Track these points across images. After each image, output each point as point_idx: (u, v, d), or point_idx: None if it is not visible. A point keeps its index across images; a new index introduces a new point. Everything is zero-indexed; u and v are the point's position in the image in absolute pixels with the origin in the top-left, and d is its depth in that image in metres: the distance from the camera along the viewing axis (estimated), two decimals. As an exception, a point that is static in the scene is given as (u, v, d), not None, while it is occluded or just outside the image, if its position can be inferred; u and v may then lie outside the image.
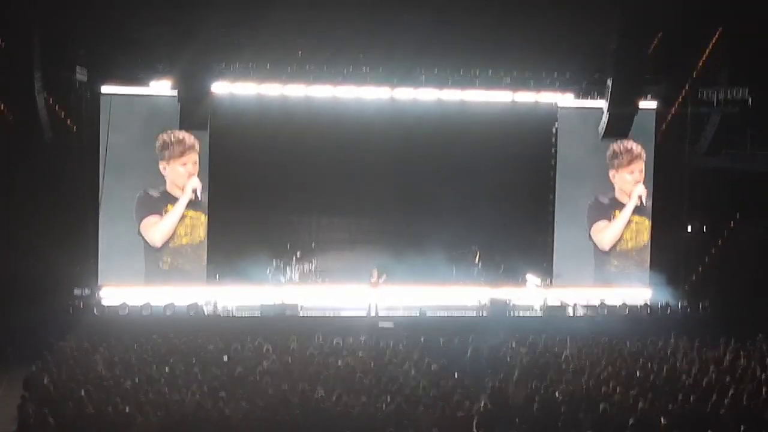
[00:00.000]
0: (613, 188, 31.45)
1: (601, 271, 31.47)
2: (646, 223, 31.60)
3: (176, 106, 26.84)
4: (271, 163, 30.32)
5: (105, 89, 28.49)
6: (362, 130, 30.21)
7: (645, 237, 31.65)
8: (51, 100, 27.49)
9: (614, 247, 31.56)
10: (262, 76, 28.94)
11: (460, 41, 28.64)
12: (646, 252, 31.67)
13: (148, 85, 28.62)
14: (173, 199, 29.21)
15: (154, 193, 29.07)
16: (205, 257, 29.46)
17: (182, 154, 29.04)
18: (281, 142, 30.08)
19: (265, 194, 30.62)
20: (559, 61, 29.71)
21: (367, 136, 30.32)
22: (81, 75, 28.03)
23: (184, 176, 29.12)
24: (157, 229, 29.11)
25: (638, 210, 31.55)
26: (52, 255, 27.75)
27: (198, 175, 29.23)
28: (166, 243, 29.22)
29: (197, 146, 29.10)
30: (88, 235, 28.75)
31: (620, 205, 31.47)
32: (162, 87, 28.39)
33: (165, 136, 28.92)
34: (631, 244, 31.65)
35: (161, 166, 28.98)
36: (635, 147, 31.21)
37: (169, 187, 29.15)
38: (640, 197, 31.32)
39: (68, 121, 28.47)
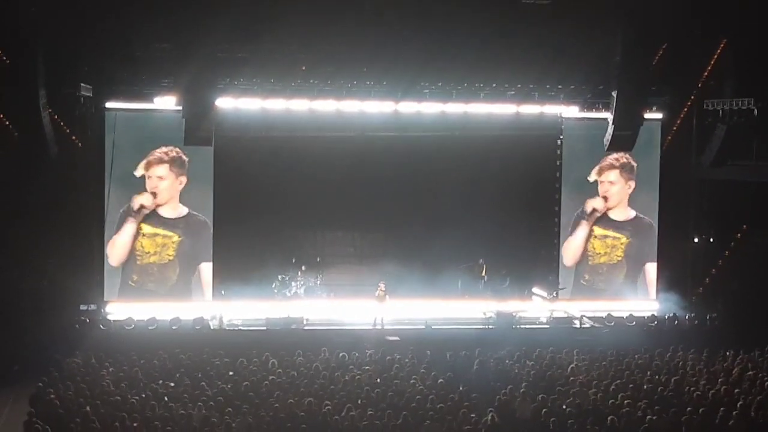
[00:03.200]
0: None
1: (570, 285, 31.35)
2: (622, 239, 31.47)
3: (181, 121, 26.83)
4: (276, 177, 30.31)
5: (109, 105, 28.55)
6: (366, 144, 30.21)
7: (619, 253, 31.50)
8: (56, 116, 27.53)
9: (584, 261, 31.45)
10: (266, 91, 28.97)
11: (463, 54, 28.61)
12: (620, 268, 31.51)
13: (152, 101, 28.66)
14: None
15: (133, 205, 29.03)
16: (174, 277, 29.32)
17: (150, 165, 28.97)
18: (286, 157, 30.08)
19: (270, 209, 30.57)
20: (563, 73, 29.68)
21: (371, 150, 30.31)
22: (86, 91, 28.08)
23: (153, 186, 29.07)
24: (112, 246, 29.01)
25: (616, 226, 31.42)
26: (58, 271, 27.81)
27: (185, 187, 29.21)
28: (133, 261, 29.08)
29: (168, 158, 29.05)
30: (94, 250, 28.77)
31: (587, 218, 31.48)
32: (166, 102, 28.41)
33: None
34: (603, 259, 31.54)
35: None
36: (623, 157, 31.12)
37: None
38: (594, 209, 31.20)
39: (73, 137, 28.54)
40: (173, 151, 28.92)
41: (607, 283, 31.46)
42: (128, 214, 28.90)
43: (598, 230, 31.40)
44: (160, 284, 29.20)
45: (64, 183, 28.26)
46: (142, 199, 28.90)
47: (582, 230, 31.32)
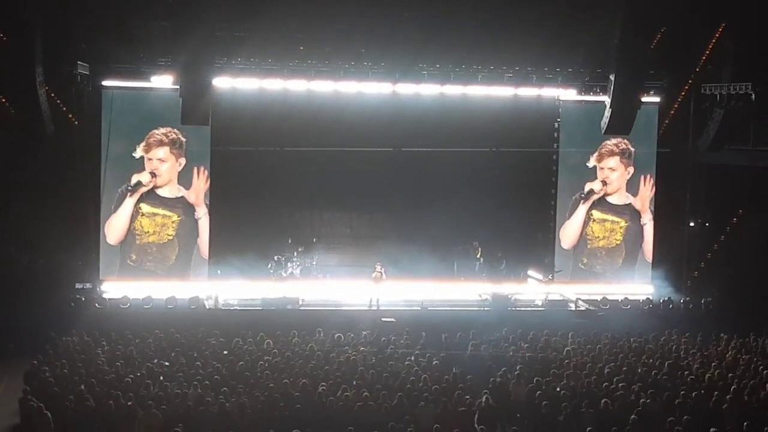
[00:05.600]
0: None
1: (569, 268, 31.33)
2: (621, 224, 31.48)
3: (178, 100, 26.74)
4: (273, 157, 30.23)
5: (106, 83, 28.45)
6: (364, 125, 30.14)
7: (618, 237, 31.51)
8: (52, 94, 27.40)
9: (583, 244, 31.45)
10: (264, 71, 28.91)
11: (461, 36, 28.53)
12: (618, 252, 31.51)
13: (149, 80, 28.57)
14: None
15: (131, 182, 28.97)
16: (173, 257, 29.29)
17: (150, 147, 28.90)
18: (283, 137, 30.00)
19: (267, 189, 30.60)
20: (561, 56, 29.59)
21: (368, 132, 30.24)
22: (82, 69, 27.97)
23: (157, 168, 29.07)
24: (109, 225, 28.98)
25: (615, 210, 31.40)
26: (54, 249, 27.78)
27: (183, 169, 29.16)
28: (132, 240, 29.04)
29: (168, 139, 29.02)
30: (90, 228, 28.72)
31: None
32: (163, 81, 28.33)
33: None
34: (602, 243, 31.52)
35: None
36: (622, 143, 31.11)
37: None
38: (591, 189, 31.17)
39: (70, 116, 28.41)
40: (172, 133, 28.86)
41: (606, 267, 31.46)
42: (126, 192, 28.84)
43: (597, 214, 31.36)
44: (158, 264, 29.20)
45: (60, 161, 28.16)
46: (140, 177, 28.83)
47: (579, 212, 31.27)
